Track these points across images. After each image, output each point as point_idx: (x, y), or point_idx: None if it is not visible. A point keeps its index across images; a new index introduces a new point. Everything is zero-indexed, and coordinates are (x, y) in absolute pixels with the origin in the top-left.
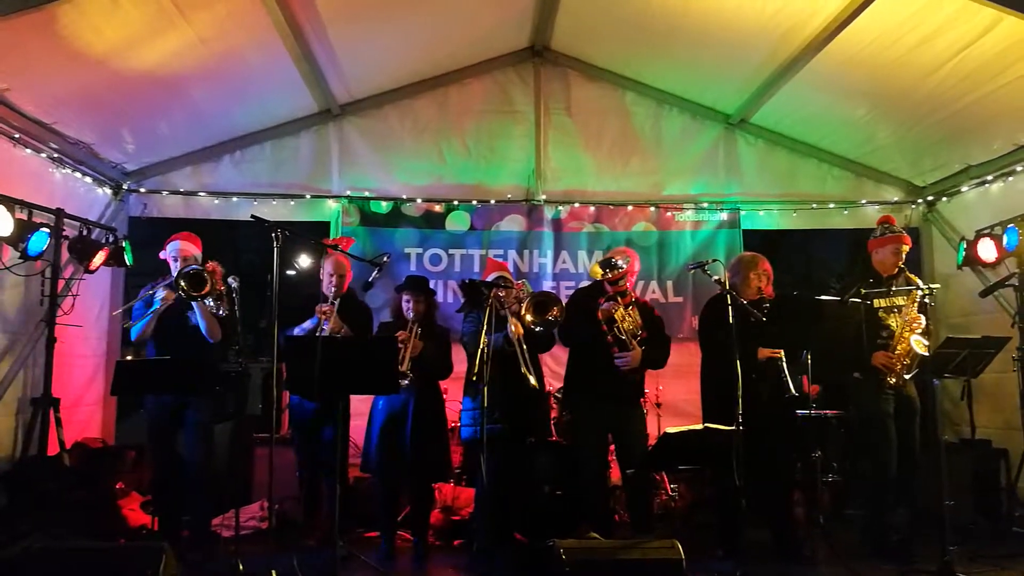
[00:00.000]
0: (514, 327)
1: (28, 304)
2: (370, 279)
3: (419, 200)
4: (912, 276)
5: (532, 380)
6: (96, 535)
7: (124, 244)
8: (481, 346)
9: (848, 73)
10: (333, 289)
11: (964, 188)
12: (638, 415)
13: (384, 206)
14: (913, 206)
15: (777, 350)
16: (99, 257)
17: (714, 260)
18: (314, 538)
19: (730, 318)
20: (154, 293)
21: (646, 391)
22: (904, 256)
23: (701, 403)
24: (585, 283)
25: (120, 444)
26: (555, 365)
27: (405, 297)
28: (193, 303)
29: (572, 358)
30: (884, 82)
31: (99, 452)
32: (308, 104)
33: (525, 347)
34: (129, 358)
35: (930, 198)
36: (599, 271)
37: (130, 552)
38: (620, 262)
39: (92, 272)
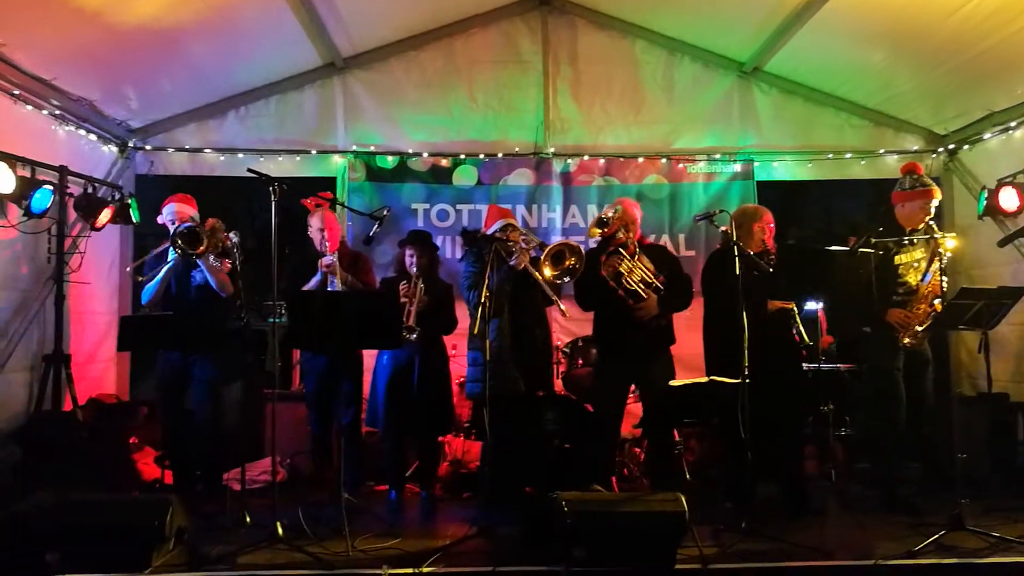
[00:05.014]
0: (515, 261)
1: (37, 262)
2: (370, 233)
3: (425, 154)
4: (940, 233)
5: (562, 307)
6: (111, 488)
7: (130, 201)
8: (482, 299)
9: (864, 16)
10: (326, 244)
11: (986, 135)
12: (662, 364)
13: (390, 161)
14: (934, 155)
15: (788, 303)
16: (105, 215)
17: (721, 211)
18: (325, 491)
19: (737, 269)
20: (167, 248)
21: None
22: (932, 210)
23: (704, 357)
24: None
25: (134, 400)
26: (563, 320)
27: (408, 251)
28: (199, 261)
29: (595, 315)
30: (902, 24)
31: (112, 407)
32: (311, 58)
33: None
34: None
35: (951, 146)
36: (596, 231)
37: (138, 504)
38: (609, 214)
39: (98, 230)
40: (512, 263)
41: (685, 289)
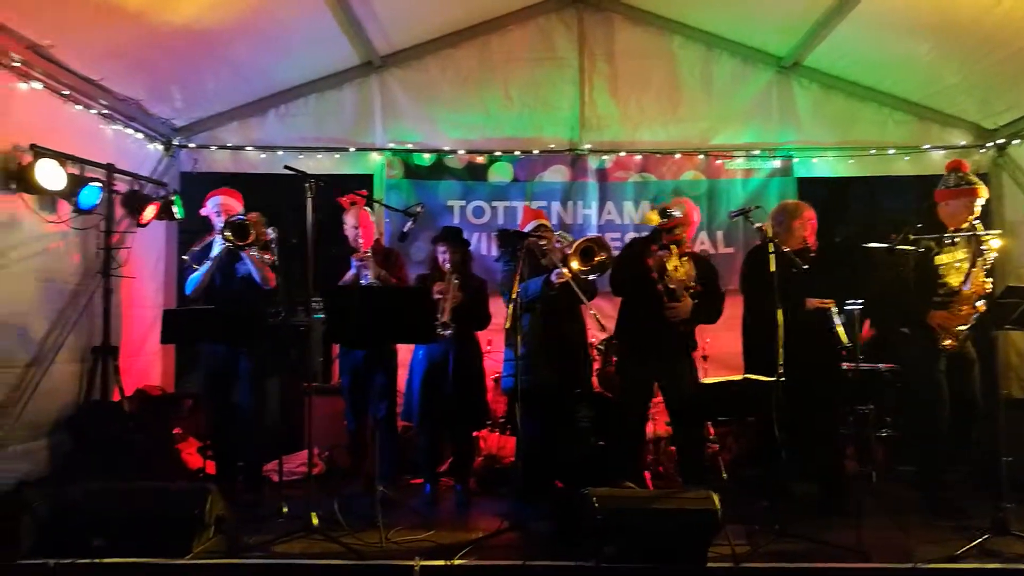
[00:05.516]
0: (556, 276)
1: (86, 257)
2: (404, 229)
3: (462, 152)
4: (984, 232)
5: (602, 323)
6: (156, 477)
7: (174, 198)
8: (513, 295)
9: (907, 7)
10: (361, 241)
11: None
12: (685, 366)
13: (427, 158)
14: (982, 150)
15: (827, 300)
16: (150, 211)
17: (756, 207)
18: (361, 484)
19: (772, 266)
20: (212, 241)
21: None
22: (978, 210)
23: (743, 355)
24: (632, 233)
25: (179, 392)
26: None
27: (441, 248)
28: (242, 253)
29: (623, 307)
30: (947, 14)
31: (158, 399)
32: (349, 56)
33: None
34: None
35: (1000, 141)
36: (656, 217)
37: (180, 493)
38: (675, 211)
39: (144, 226)
40: (553, 279)
41: (717, 304)
